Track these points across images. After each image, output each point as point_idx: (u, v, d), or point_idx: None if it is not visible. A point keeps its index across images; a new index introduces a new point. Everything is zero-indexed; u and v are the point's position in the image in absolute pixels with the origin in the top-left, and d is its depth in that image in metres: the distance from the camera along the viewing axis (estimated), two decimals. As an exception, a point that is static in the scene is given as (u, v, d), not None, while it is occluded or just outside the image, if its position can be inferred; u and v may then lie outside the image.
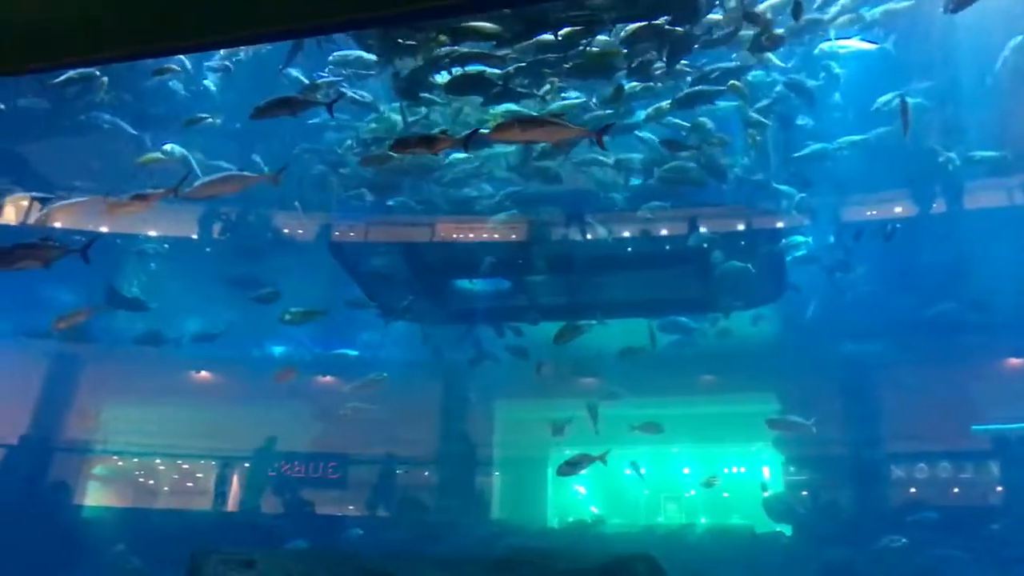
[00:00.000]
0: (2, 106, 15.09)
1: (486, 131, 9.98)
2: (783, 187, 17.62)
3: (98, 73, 14.10)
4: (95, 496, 23.65)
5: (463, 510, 21.38)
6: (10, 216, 21.90)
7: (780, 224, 19.47)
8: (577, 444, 20.89)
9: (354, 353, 23.11)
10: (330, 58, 14.29)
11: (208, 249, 21.84)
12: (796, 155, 16.83)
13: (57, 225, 20.12)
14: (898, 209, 20.04)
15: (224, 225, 21.62)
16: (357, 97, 14.79)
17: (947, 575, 16.94)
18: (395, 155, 11.49)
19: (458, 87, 12.89)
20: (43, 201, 20.65)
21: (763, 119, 15.24)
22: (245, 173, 11.59)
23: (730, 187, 18.20)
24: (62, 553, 17.87)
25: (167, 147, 15.53)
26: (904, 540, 17.70)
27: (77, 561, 18.03)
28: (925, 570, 17.13)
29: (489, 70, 12.67)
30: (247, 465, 23.65)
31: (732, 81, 13.85)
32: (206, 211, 21.26)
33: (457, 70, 12.64)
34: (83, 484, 23.68)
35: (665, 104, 14.27)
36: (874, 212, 20.24)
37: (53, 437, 23.54)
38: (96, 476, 24.33)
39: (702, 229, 19.53)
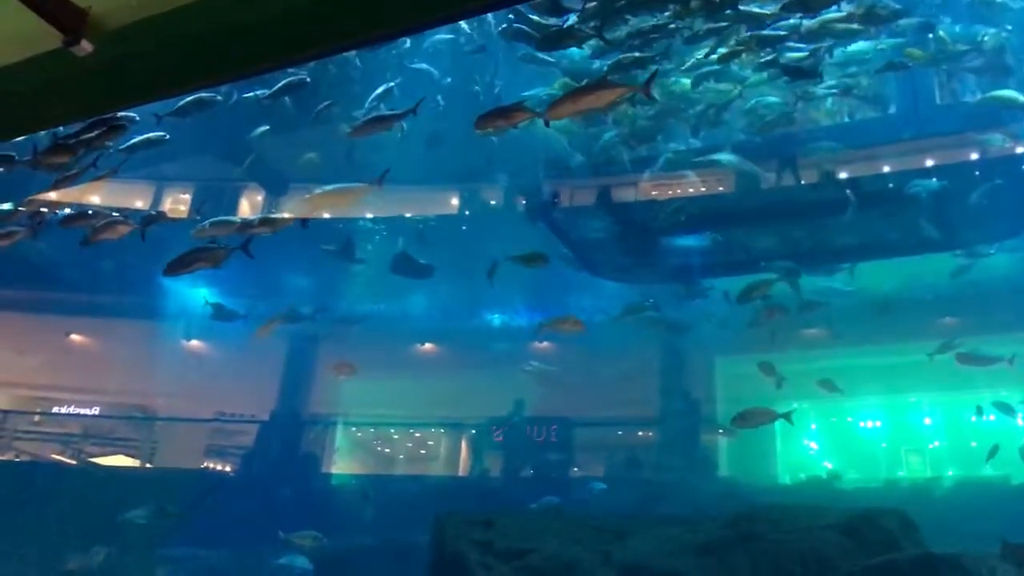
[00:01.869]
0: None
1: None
2: None
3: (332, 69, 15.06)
4: (340, 465, 25.48)
5: (689, 468, 21.18)
6: (245, 210, 23.79)
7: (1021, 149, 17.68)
8: (804, 397, 20.17)
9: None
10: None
11: (420, 226, 22.81)
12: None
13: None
14: None
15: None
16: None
17: None
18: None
19: (552, 41, 13.30)
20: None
21: None
22: (356, 185, 12.15)
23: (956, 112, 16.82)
24: (318, 515, 19.39)
25: None
26: None
27: (331, 522, 19.50)
28: None
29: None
30: (474, 432, 24.71)
31: None
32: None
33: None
34: (328, 454, 25.57)
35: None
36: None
37: (299, 412, 25.71)
38: (338, 446, 26.21)
39: (931, 162, 18.14)
